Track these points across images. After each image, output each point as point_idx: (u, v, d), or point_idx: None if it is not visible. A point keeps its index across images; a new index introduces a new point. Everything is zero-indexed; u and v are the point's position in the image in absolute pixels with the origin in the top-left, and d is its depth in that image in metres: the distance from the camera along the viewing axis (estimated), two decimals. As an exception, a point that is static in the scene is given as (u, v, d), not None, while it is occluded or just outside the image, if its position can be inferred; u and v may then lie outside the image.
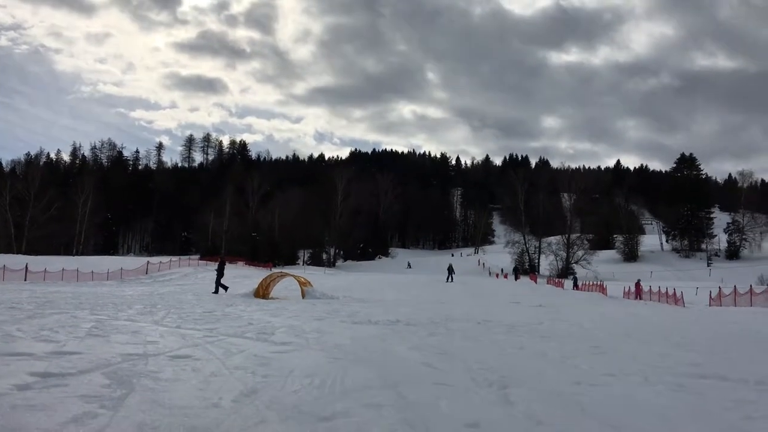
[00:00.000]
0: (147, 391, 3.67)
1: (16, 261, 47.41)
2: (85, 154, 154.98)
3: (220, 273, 25.75)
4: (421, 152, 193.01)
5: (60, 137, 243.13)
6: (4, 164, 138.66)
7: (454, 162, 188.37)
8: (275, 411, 3.47)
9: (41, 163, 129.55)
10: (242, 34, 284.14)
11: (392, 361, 5.77)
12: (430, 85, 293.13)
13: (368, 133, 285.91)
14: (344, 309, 14.52)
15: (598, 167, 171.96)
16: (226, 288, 25.00)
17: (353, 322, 10.07)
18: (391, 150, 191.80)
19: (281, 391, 4.10)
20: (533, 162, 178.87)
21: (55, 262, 45.21)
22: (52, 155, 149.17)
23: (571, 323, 12.51)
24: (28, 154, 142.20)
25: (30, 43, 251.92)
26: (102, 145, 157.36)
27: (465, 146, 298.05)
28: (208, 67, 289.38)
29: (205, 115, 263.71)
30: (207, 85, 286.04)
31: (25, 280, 38.24)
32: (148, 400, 3.46)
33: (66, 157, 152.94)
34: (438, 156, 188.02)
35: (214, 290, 24.93)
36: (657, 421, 4.24)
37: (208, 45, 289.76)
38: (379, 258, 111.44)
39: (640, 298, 33.35)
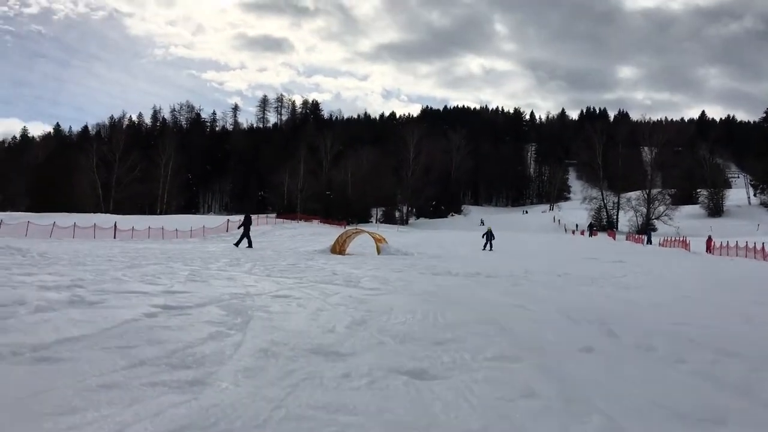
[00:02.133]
0: (264, 320, 3.88)
1: (105, 220, 49.93)
2: (165, 116, 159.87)
3: (246, 227, 26.15)
4: (493, 108, 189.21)
5: (137, 100, 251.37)
6: (89, 128, 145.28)
7: (528, 117, 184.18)
8: (389, 336, 3.62)
9: (124, 126, 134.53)
10: None
11: (485, 304, 5.82)
12: (498, 37, 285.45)
13: (435, 89, 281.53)
14: (421, 263, 14.67)
15: (681, 119, 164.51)
16: (250, 244, 25.13)
17: (433, 273, 10.17)
18: (463, 106, 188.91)
19: (387, 322, 4.25)
20: (611, 115, 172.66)
21: (141, 221, 47.30)
22: (134, 118, 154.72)
23: (655, 276, 12.21)
24: (111, 118, 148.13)
25: (104, 7, 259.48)
26: (181, 107, 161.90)
27: (535, 100, 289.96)
28: (274, 26, 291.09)
29: (273, 75, 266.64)
30: (274, 45, 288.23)
31: (114, 237, 40.21)
32: (268, 326, 3.67)
33: (147, 119, 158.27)
34: (510, 111, 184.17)
35: (235, 242, 25.58)
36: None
37: (273, 4, 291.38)
38: (452, 215, 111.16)
39: (710, 253, 32.71)
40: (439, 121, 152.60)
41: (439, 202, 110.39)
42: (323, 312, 4.49)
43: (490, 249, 28.86)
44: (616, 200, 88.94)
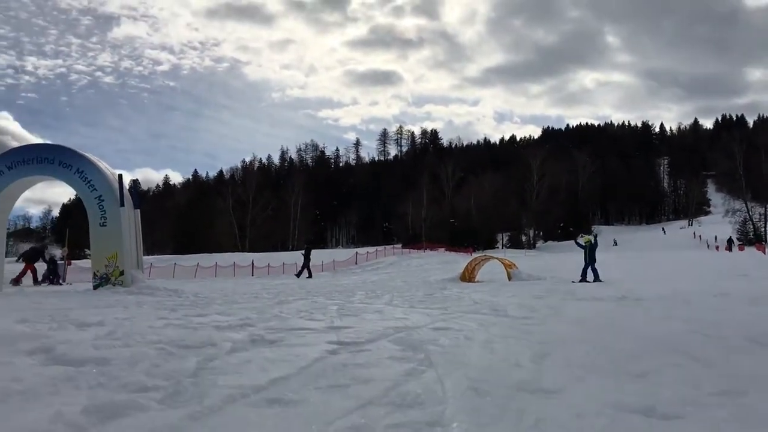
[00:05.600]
0: (442, 354, 3.86)
1: (242, 258, 52.67)
2: (292, 156, 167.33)
3: (306, 258, 27.79)
4: (619, 123, 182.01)
5: (264, 143, 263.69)
6: (224, 172, 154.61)
7: (657, 129, 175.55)
8: (580, 369, 3.45)
9: (255, 168, 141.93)
10: (410, 23, 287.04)
11: (653, 331, 5.47)
12: (611, 49, 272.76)
13: (550, 108, 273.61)
14: (558, 288, 14.25)
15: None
16: (310, 275, 27.02)
17: (576, 299, 9.82)
18: (586, 123, 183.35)
19: (568, 354, 4.06)
20: (750, 121, 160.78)
21: (275, 258, 49.38)
22: (264, 160, 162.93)
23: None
24: (243, 161, 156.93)
25: (225, 58, 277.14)
26: (306, 146, 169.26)
27: (659, 111, 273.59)
28: (381, 60, 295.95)
29: (384, 108, 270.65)
30: (383, 78, 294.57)
31: (252, 274, 42.32)
32: (451, 360, 3.64)
33: (276, 160, 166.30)
34: (637, 125, 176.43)
35: (296, 273, 26.94)
36: None
37: (379, 39, 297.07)
38: (581, 237, 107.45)
39: None
40: (561, 140, 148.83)
41: (566, 224, 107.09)
42: (494, 344, 4.40)
43: (595, 278, 18.96)
44: (763, 211, 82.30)
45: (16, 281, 20.57)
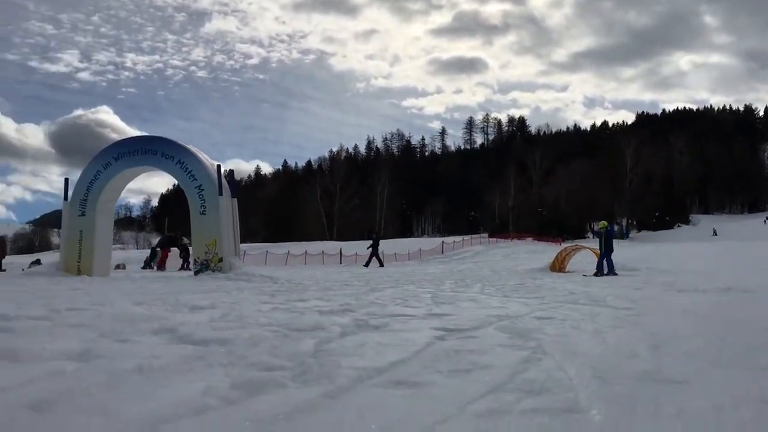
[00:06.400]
0: (553, 343, 3.78)
1: (331, 247, 53.78)
2: (378, 146, 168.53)
3: (374, 249, 28.48)
4: (719, 107, 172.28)
5: (350, 133, 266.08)
6: (312, 162, 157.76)
7: (762, 113, 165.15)
8: (702, 361, 3.28)
9: (342, 158, 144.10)
10: (495, 9, 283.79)
11: None
12: (708, 30, 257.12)
13: (643, 92, 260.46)
14: (655, 279, 13.74)
15: None
16: (370, 263, 27.88)
17: (677, 290, 9.44)
18: (684, 108, 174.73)
19: (686, 345, 3.95)
20: None
21: (363, 246, 50.09)
22: (350, 150, 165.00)
23: None
24: (330, 151, 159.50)
25: (311, 50, 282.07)
26: (392, 136, 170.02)
27: (758, 93, 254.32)
28: (466, 47, 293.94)
29: (469, 96, 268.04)
30: (468, 66, 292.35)
31: (341, 263, 43.18)
32: (562, 350, 3.57)
33: (362, 150, 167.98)
34: (739, 108, 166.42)
35: (379, 264, 27.63)
36: None
37: (463, 26, 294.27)
38: (678, 226, 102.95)
39: None
40: (656, 125, 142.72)
41: (662, 213, 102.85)
42: (604, 334, 4.28)
43: (609, 270, 17.29)
44: None
45: (160, 267, 23.41)
